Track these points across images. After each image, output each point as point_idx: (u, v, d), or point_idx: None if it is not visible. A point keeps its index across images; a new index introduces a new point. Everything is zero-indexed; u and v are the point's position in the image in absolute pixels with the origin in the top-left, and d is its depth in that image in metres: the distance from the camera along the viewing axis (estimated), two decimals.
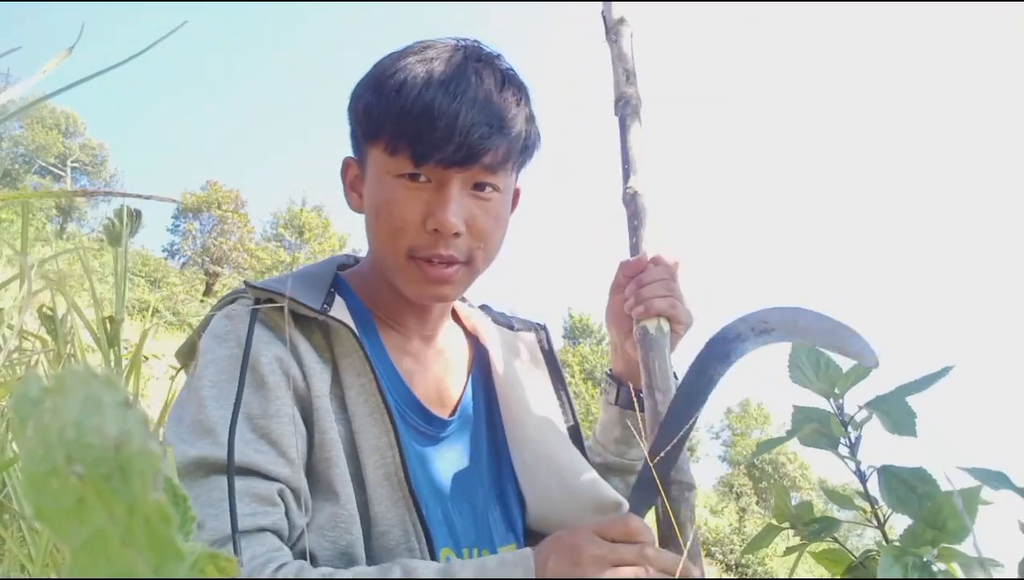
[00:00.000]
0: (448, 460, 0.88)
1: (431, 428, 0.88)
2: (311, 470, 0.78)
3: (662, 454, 0.70)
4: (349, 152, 0.92)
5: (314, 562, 0.74)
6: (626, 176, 1.02)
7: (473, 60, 0.81)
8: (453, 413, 0.92)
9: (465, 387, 0.95)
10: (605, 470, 1.00)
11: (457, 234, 0.80)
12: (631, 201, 1.00)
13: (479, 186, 0.81)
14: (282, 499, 0.72)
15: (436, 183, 0.79)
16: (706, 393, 0.70)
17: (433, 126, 0.76)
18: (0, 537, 0.74)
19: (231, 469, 0.69)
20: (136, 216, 0.87)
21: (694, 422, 0.70)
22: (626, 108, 1.06)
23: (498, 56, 0.86)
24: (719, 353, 0.69)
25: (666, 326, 0.87)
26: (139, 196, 0.50)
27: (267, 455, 0.72)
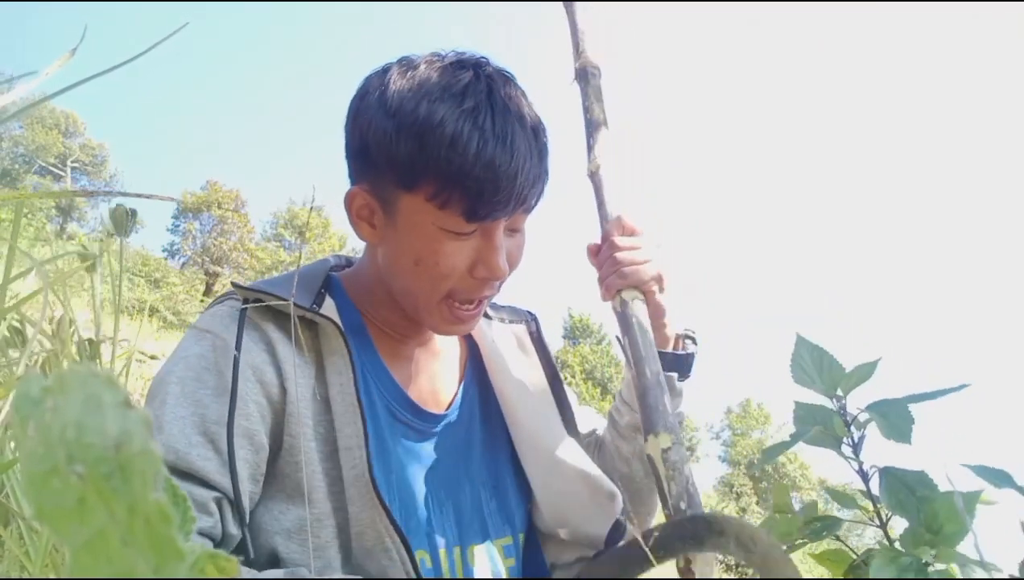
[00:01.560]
0: (439, 457, 0.88)
1: (423, 424, 0.88)
2: (275, 475, 0.78)
3: None
4: (343, 155, 0.91)
5: (282, 564, 0.75)
6: (590, 149, 1.00)
7: (505, 99, 0.79)
8: (447, 409, 0.92)
9: (460, 383, 0.96)
10: (634, 431, 0.99)
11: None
12: (593, 177, 0.98)
13: (514, 227, 0.84)
14: (218, 508, 0.72)
15: (482, 231, 0.80)
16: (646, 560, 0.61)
17: (497, 187, 0.75)
18: None
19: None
20: (130, 215, 0.86)
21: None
22: (583, 78, 1.04)
23: (514, 80, 0.84)
24: (691, 532, 0.60)
25: (636, 301, 0.87)
26: (139, 195, 0.50)
27: (210, 462, 0.72)
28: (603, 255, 0.90)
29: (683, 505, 0.68)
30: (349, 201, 0.85)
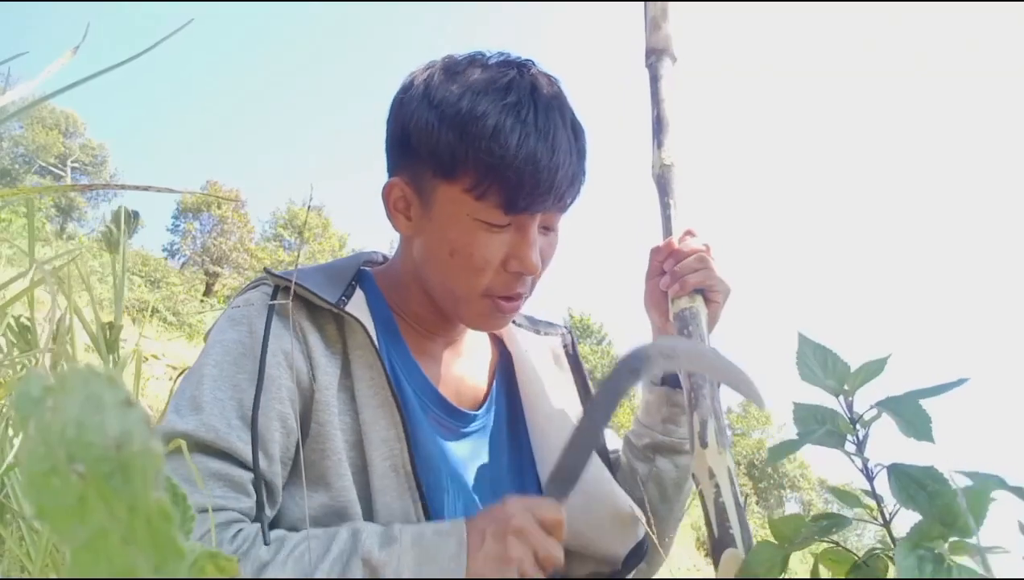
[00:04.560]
0: (470, 458, 0.87)
1: (453, 422, 0.88)
2: (300, 462, 0.79)
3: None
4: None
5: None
6: (657, 143, 0.94)
7: (549, 98, 0.80)
8: (477, 410, 0.91)
9: (490, 387, 0.95)
10: (652, 450, 0.98)
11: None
12: (661, 176, 0.92)
13: (548, 225, 0.84)
14: (254, 489, 0.73)
15: (516, 226, 0.80)
16: (618, 398, 0.72)
17: (537, 180, 0.75)
18: (0, 536, 0.74)
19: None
20: (134, 216, 0.87)
21: (605, 423, 0.73)
22: (657, 63, 0.97)
23: (558, 83, 0.85)
24: (631, 366, 0.72)
25: (700, 305, 0.86)
26: (137, 187, 0.50)
27: (248, 445, 0.73)
28: (690, 248, 0.88)
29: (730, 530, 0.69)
30: (387, 193, 0.86)
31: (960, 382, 0.58)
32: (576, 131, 0.82)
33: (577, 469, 0.71)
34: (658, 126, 0.94)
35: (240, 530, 0.69)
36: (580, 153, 0.82)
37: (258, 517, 0.72)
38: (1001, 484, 0.54)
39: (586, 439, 0.71)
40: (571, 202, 0.84)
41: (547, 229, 0.84)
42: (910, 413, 0.59)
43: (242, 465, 0.73)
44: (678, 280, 0.87)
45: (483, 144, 0.75)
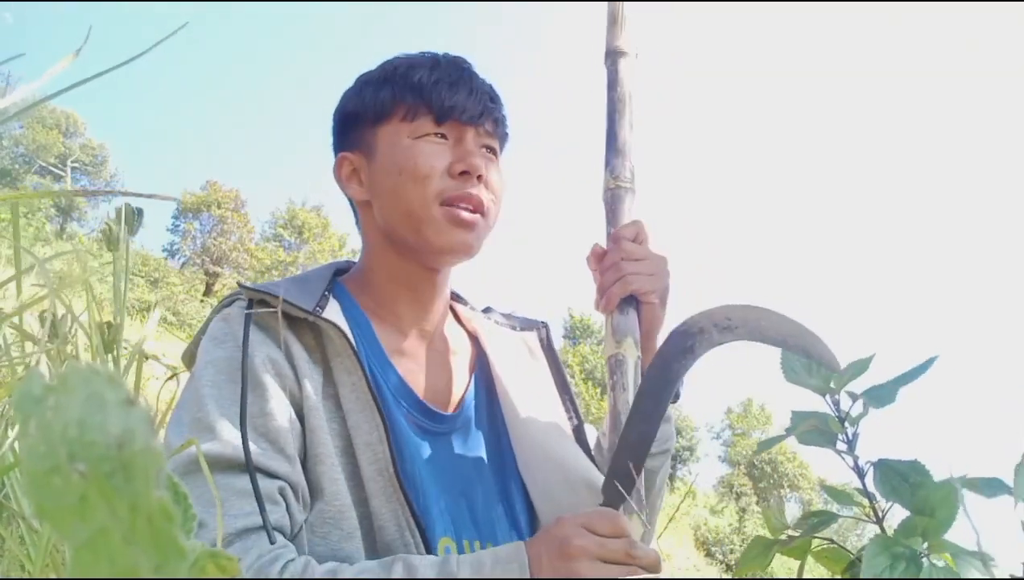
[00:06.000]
0: (449, 457, 0.88)
1: (430, 423, 0.89)
2: (303, 468, 0.79)
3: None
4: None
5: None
6: (606, 161, 0.91)
7: (458, 60, 0.92)
8: (455, 410, 0.92)
9: (468, 386, 0.96)
10: None
11: (480, 177, 0.86)
12: (612, 195, 0.89)
13: (487, 148, 0.90)
14: (283, 496, 0.74)
15: (454, 139, 0.87)
16: (672, 386, 0.69)
17: (455, 87, 0.87)
18: (0, 536, 0.74)
19: (250, 467, 0.71)
20: (137, 214, 0.87)
21: (663, 413, 0.71)
22: (614, 65, 0.93)
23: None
24: (682, 346, 0.68)
25: (628, 350, 0.83)
26: (139, 194, 0.50)
27: (266, 452, 0.74)
28: (608, 261, 0.87)
29: None
30: (337, 170, 0.94)
31: (932, 361, 0.59)
32: (489, 84, 0.93)
33: (631, 471, 0.68)
34: (611, 141, 0.90)
35: (288, 562, 0.68)
36: (491, 86, 0.92)
37: (294, 524, 0.73)
38: (1001, 487, 0.54)
39: (638, 439, 0.68)
40: (497, 125, 0.91)
41: (490, 151, 0.91)
42: (880, 391, 0.60)
43: (268, 474, 0.73)
44: (604, 296, 0.86)
45: (403, 77, 0.88)
